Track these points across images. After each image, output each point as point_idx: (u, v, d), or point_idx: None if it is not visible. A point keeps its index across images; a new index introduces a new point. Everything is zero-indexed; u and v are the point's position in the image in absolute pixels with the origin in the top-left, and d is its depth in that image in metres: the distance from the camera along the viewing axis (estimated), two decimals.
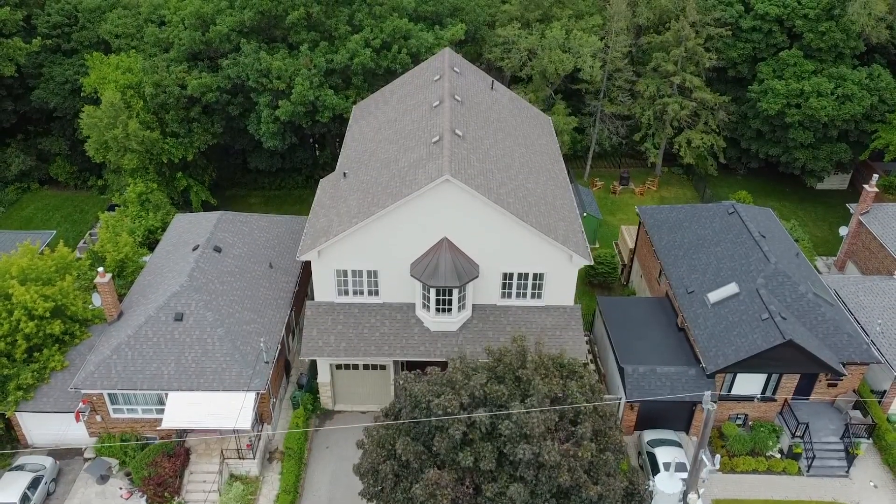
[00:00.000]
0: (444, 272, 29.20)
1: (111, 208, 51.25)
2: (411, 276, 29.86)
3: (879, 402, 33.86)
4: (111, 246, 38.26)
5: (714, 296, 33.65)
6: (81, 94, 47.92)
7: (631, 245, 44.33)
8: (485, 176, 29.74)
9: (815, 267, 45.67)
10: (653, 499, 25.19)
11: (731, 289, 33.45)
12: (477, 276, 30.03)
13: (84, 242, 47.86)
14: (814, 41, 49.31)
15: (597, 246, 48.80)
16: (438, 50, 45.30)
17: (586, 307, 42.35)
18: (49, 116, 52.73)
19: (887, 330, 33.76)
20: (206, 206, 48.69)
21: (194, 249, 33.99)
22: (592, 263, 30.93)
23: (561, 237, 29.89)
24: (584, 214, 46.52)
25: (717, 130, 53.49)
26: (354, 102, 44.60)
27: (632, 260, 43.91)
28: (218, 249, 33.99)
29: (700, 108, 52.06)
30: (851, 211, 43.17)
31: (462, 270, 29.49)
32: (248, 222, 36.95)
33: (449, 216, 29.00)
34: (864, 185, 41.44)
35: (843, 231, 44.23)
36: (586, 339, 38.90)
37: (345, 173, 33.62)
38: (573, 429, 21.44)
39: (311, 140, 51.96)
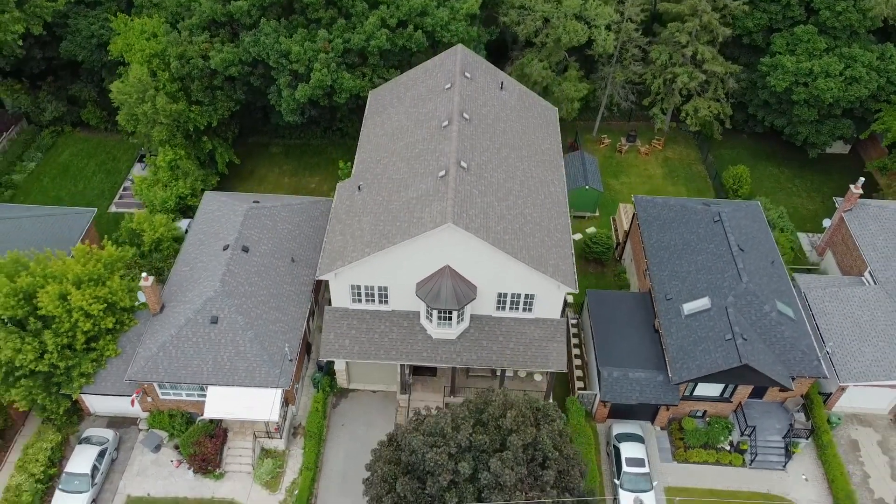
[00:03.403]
0: (445, 297, 33.21)
1: (141, 158, 54.59)
2: (416, 295, 33.92)
3: (825, 401, 38.63)
4: (148, 225, 42.41)
5: (688, 307, 37.56)
6: (108, 58, 49.67)
7: (626, 226, 47.50)
8: (485, 213, 32.89)
9: (800, 245, 49.13)
10: None
11: (703, 303, 37.28)
12: (474, 298, 34.04)
13: (120, 198, 51.65)
14: (829, 20, 49.41)
15: (596, 214, 52.08)
16: (454, 25, 46.36)
17: (581, 284, 46.28)
18: (77, 64, 54.61)
19: (841, 344, 37.72)
20: (231, 167, 51.81)
21: (225, 249, 37.90)
22: (577, 291, 34.60)
23: (551, 268, 33.48)
24: (586, 187, 49.52)
25: (726, 97, 54.59)
26: (371, 80, 46.41)
27: (625, 241, 47.28)
28: (245, 249, 37.92)
29: (710, 76, 52.91)
30: (837, 205, 45.65)
31: (461, 295, 33.48)
32: (271, 215, 40.50)
33: (451, 250, 32.56)
34: (850, 186, 43.70)
35: (826, 223, 47.05)
36: (574, 322, 43.36)
37: (359, 186, 36.72)
38: (541, 472, 26.45)
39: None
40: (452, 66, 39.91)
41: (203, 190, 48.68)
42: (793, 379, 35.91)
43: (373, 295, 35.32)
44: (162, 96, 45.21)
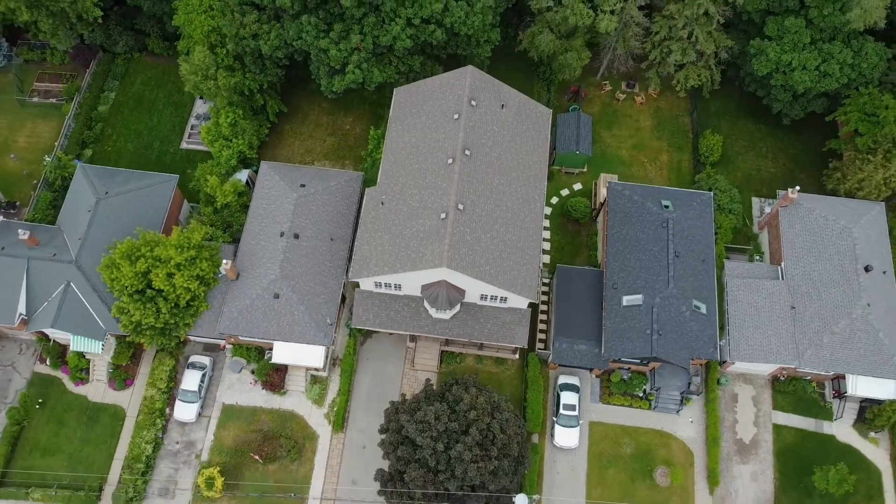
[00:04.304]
0: (441, 300, 46.18)
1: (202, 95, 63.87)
2: (421, 295, 46.94)
3: (722, 363, 52.40)
4: (219, 192, 54.27)
5: (626, 299, 50.03)
6: (168, 8, 57.11)
7: (602, 197, 57.71)
8: (473, 250, 44.45)
9: (750, 208, 59.32)
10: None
11: (637, 298, 49.66)
12: (463, 300, 46.98)
13: (189, 137, 62.26)
14: (816, 18, 54.27)
15: (585, 170, 61.84)
16: (471, 19, 52.66)
17: (556, 244, 58.34)
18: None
19: (740, 328, 50.35)
20: (279, 116, 61.24)
21: (281, 235, 50.23)
22: (538, 302, 47.03)
23: (519, 286, 45.78)
24: (577, 152, 58.94)
25: (717, 65, 60.67)
26: (396, 67, 54.31)
27: (600, 209, 57.92)
28: (297, 236, 50.25)
29: (701, 53, 58.82)
30: (779, 195, 54.97)
31: (453, 299, 46.39)
32: (315, 200, 51.88)
33: (447, 275, 44.80)
34: (788, 189, 52.81)
35: (767, 208, 56.92)
36: (548, 281, 56.07)
37: (382, 202, 47.82)
38: (490, 447, 41.72)
39: None
40: (462, 91, 48.31)
41: (258, 140, 59.15)
42: (694, 360, 49.52)
43: (390, 285, 48.30)
44: (222, 73, 54.02)
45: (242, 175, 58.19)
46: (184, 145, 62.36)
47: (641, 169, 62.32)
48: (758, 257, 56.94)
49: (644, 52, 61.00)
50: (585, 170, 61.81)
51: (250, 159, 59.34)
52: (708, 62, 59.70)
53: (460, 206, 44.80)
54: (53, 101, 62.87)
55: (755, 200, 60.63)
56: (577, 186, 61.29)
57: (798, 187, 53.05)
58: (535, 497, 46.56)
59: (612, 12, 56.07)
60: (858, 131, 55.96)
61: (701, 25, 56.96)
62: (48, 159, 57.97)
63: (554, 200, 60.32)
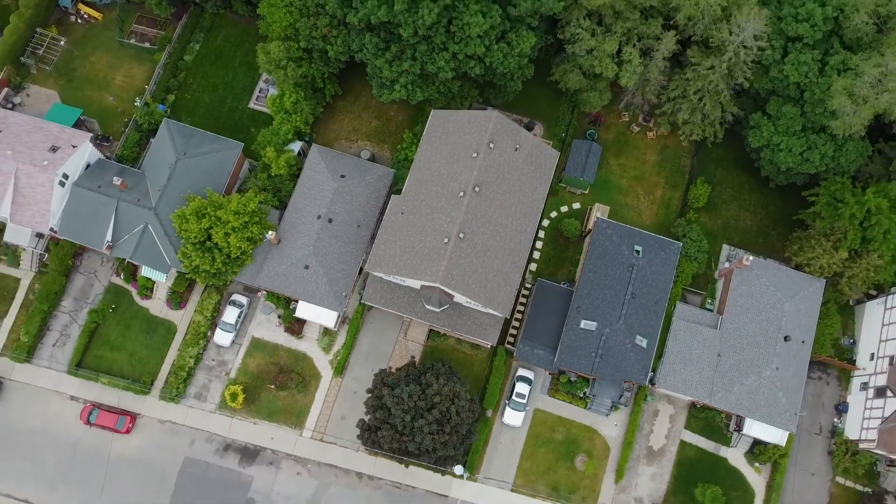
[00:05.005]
0: (434, 301, 58.06)
1: None
2: (419, 293, 58.78)
3: (653, 383, 64.30)
4: (275, 163, 65.30)
5: (584, 323, 61.40)
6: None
7: (591, 224, 67.63)
8: (464, 271, 55.66)
9: (719, 253, 69.05)
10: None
11: (593, 325, 61.01)
12: (451, 302, 58.78)
13: (257, 99, 72.33)
14: (809, 112, 61.70)
15: (587, 192, 71.40)
16: (509, 61, 61.08)
17: (545, 255, 69.08)
18: None
19: (672, 361, 61.75)
20: (333, 96, 70.81)
21: (318, 218, 61.65)
22: (510, 317, 58.52)
23: (496, 304, 57.28)
24: (581, 178, 68.46)
25: (721, 124, 68.40)
26: (437, 88, 63.27)
27: (587, 234, 68.04)
28: (330, 220, 61.65)
29: (710, 114, 66.59)
30: (736, 256, 64.52)
31: (444, 301, 58.22)
32: (350, 191, 62.79)
33: (441, 285, 56.43)
34: (743, 257, 62.34)
35: (728, 263, 66.65)
36: (529, 286, 67.30)
37: (402, 212, 58.68)
38: (445, 424, 54.83)
39: None
40: (483, 133, 57.77)
41: (314, 117, 69.16)
42: (626, 381, 61.46)
43: (396, 278, 60.09)
44: (291, 66, 63.54)
45: (296, 146, 68.72)
46: (251, 105, 72.50)
47: (636, 200, 71.55)
48: (710, 301, 67.29)
49: (659, 101, 68.67)
50: (587, 192, 71.25)
51: (304, 132, 69.64)
52: (713, 123, 67.39)
53: (461, 235, 55.62)
54: (147, 45, 72.74)
55: (725, 247, 70.05)
56: (577, 205, 70.99)
57: (752, 256, 62.40)
58: (467, 475, 60.28)
59: (634, 72, 63.64)
60: (822, 215, 64.37)
61: (711, 95, 64.44)
62: (138, 103, 68.84)
63: (553, 214, 70.34)
